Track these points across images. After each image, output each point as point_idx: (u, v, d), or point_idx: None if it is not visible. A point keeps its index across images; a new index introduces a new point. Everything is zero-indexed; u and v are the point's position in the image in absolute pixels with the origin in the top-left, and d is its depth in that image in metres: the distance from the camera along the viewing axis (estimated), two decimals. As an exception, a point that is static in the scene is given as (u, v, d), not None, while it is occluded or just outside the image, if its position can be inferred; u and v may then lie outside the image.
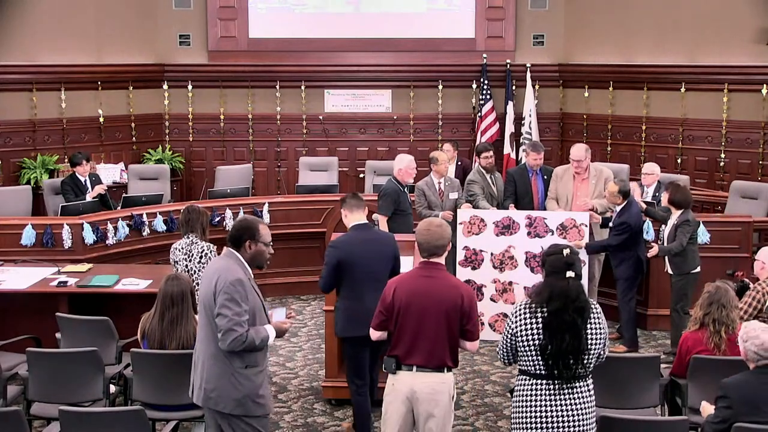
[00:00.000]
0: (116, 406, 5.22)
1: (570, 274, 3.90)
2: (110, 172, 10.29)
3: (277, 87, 11.21)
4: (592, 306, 3.97)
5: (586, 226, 7.26)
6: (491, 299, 7.39)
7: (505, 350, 4.05)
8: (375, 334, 4.39)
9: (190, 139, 11.32)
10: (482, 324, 7.41)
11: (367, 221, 5.45)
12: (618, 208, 7.09)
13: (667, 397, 5.14)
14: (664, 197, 6.98)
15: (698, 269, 6.92)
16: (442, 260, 4.32)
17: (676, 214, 6.86)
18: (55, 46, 10.16)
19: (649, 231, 7.46)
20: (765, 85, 9.52)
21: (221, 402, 4.18)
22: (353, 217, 5.39)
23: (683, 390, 4.98)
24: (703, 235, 7.57)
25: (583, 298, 3.90)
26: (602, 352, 4.01)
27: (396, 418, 4.29)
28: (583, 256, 6.92)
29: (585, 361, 3.91)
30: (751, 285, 5.71)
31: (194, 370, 4.32)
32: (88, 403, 4.94)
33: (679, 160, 10.16)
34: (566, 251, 3.95)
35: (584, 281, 5.71)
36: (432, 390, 4.21)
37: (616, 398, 4.86)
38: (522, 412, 3.96)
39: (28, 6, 9.98)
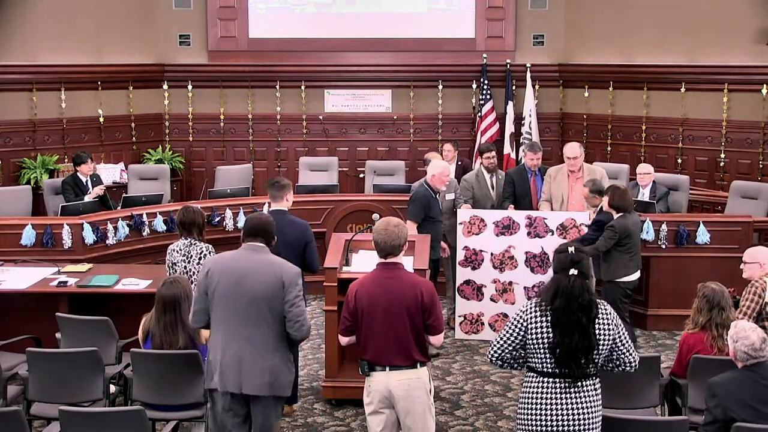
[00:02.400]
0: (116, 406, 5.22)
1: (573, 271, 3.94)
2: (110, 172, 10.28)
3: (277, 87, 11.21)
4: (600, 305, 3.99)
5: (587, 226, 7.27)
6: (491, 299, 7.40)
7: (504, 349, 4.00)
8: (344, 340, 4.47)
9: (190, 139, 11.32)
10: (482, 324, 7.43)
11: (283, 209, 5.80)
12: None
13: (667, 397, 5.14)
14: (605, 200, 6.80)
15: (627, 279, 6.62)
16: (400, 260, 4.39)
17: (615, 219, 6.66)
18: (55, 46, 10.16)
19: (649, 231, 7.46)
20: (765, 85, 9.51)
21: (284, 387, 4.39)
22: (273, 204, 5.86)
23: (683, 390, 4.98)
24: (703, 235, 7.58)
25: (588, 296, 3.92)
26: (629, 358, 4.04)
27: (378, 419, 4.33)
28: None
29: (595, 360, 3.94)
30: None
31: (233, 365, 4.30)
32: (88, 403, 4.94)
33: (679, 160, 10.15)
34: (571, 249, 4.03)
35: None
36: (408, 387, 4.27)
37: (616, 398, 4.85)
38: (529, 408, 3.96)
39: (28, 6, 9.98)
